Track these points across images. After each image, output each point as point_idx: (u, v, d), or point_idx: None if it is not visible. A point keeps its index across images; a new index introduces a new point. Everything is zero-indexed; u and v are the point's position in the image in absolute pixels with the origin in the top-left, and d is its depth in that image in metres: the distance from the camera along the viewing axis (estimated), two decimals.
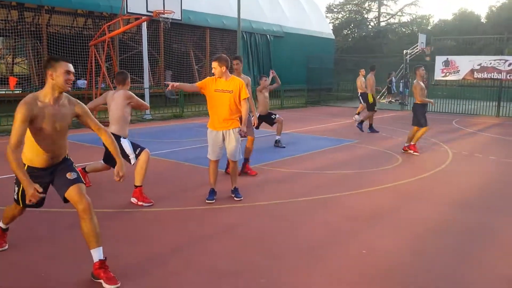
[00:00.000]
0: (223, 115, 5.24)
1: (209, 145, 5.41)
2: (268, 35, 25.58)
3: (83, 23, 22.88)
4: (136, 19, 12.74)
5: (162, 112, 15.90)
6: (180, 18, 12.20)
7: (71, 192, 3.32)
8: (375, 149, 9.39)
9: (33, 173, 3.33)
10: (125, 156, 5.25)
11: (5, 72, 21.81)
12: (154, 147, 8.87)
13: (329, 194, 5.82)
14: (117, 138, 5.22)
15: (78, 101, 3.52)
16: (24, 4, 16.99)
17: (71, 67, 3.30)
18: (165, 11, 11.45)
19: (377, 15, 46.34)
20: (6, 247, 3.89)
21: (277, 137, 9.43)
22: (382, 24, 45.85)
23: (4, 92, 15.44)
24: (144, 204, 5.22)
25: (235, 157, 5.44)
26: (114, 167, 5.57)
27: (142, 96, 15.76)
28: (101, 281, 3.27)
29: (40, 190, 3.16)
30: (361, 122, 12.18)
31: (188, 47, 22.48)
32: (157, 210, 5.08)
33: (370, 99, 12.04)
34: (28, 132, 3.24)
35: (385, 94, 25.13)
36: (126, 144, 5.32)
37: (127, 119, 5.45)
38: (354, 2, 46.13)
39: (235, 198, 5.48)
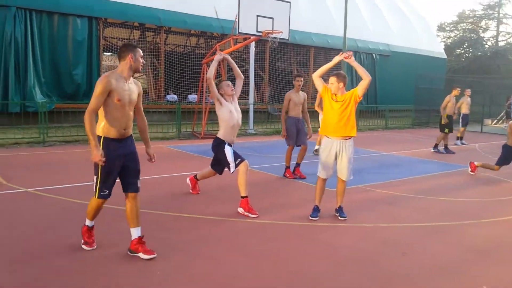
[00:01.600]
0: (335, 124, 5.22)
1: (321, 162, 5.35)
2: (373, 54, 25.01)
3: (196, 42, 24.46)
4: (245, 39, 13.30)
5: (264, 128, 16.28)
6: (287, 38, 12.46)
7: (130, 197, 4.09)
8: (490, 176, 8.60)
9: (109, 144, 3.91)
10: (226, 163, 5.58)
11: None
12: (256, 161, 9.09)
13: (441, 222, 5.44)
14: (222, 143, 5.57)
15: (139, 83, 4.17)
16: (145, 25, 18.69)
17: (141, 53, 4.04)
18: (274, 31, 11.77)
19: (495, 34, 42.88)
20: (95, 246, 4.16)
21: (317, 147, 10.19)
22: (501, 43, 42.27)
23: None
24: (250, 215, 5.37)
25: (346, 176, 5.33)
26: (220, 173, 5.89)
27: (246, 112, 16.34)
28: (139, 254, 3.98)
29: (104, 159, 3.77)
30: (435, 146, 12.10)
31: (292, 65, 22.83)
32: (260, 222, 5.17)
33: (443, 120, 11.90)
34: (103, 108, 3.86)
35: (503, 119, 23.04)
36: (228, 152, 5.56)
37: (230, 126, 5.65)
38: (470, 21, 43.24)
39: (339, 217, 5.36)
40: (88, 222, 4.21)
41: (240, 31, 11.81)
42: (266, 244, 4.48)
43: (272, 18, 11.95)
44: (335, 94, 5.21)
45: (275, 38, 11.98)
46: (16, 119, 13.50)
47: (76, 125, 12.65)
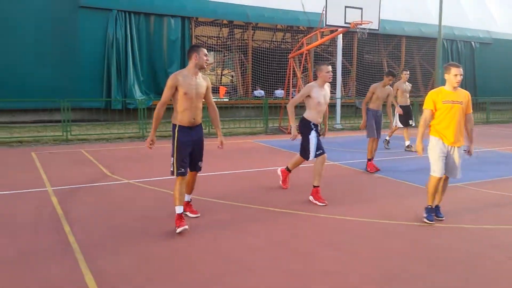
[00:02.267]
0: (454, 130, 4.77)
1: (434, 158, 4.86)
2: (472, 42, 23.22)
3: (282, 37, 24.56)
4: (332, 31, 13.05)
5: (352, 122, 15.90)
6: (377, 28, 12.01)
7: (192, 173, 4.93)
8: None
9: (183, 130, 4.63)
10: (306, 150, 5.76)
11: (215, 82, 24.93)
12: (343, 156, 8.91)
13: None
14: (308, 126, 5.75)
15: (207, 77, 4.80)
16: (234, 22, 19.16)
17: (205, 51, 4.60)
18: (363, 22, 11.42)
19: None
20: (186, 227, 4.52)
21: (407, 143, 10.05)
22: None
23: (215, 99, 17.62)
24: (318, 203, 5.53)
25: (459, 174, 4.95)
26: (307, 159, 5.94)
27: (333, 106, 16.08)
28: (187, 212, 4.99)
29: (154, 146, 4.71)
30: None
31: (382, 57, 21.98)
32: (349, 219, 5.05)
33: None
34: (175, 101, 4.57)
35: None
36: (312, 140, 5.70)
37: (317, 111, 5.77)
38: None
39: (436, 217, 5.06)
40: (177, 209, 4.59)
41: (327, 23, 11.63)
42: (357, 241, 4.36)
43: (361, 9, 11.60)
44: (453, 92, 4.80)
45: (364, 29, 11.62)
46: (118, 116, 14.63)
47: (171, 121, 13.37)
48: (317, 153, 5.67)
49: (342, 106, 16.44)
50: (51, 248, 4.06)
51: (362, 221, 4.99)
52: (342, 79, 18.98)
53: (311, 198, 5.70)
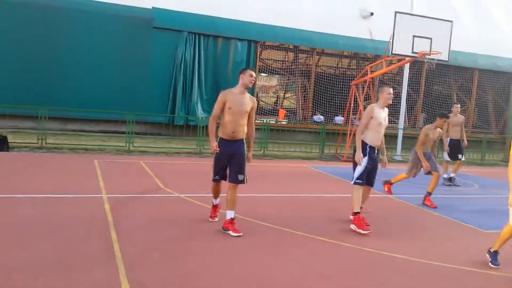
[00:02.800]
0: None
1: None
2: None
3: (348, 64, 24.35)
4: (399, 60, 12.73)
5: None
6: (447, 59, 11.53)
7: (232, 185, 5.14)
8: None
9: (222, 142, 5.12)
10: (353, 170, 5.78)
11: (277, 105, 25.11)
12: (401, 190, 8.51)
13: None
14: (364, 149, 5.70)
15: (255, 99, 5.30)
16: (299, 47, 19.30)
17: (253, 73, 5.14)
18: (432, 52, 11.02)
19: None
20: (216, 219, 5.51)
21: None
22: None
23: (274, 122, 17.70)
24: (362, 231, 5.43)
25: None
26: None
27: (395, 137, 15.57)
28: (229, 231, 5.05)
29: (218, 150, 5.07)
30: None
31: (452, 89, 21.07)
32: (406, 258, 4.77)
33: None
34: (221, 115, 5.09)
35: None
36: (359, 167, 5.66)
37: (374, 131, 5.74)
38: None
39: (490, 264, 4.62)
40: (213, 201, 5.61)
41: (393, 52, 11.35)
42: (403, 281, 4.10)
43: (431, 39, 11.19)
44: None
45: (433, 59, 11.20)
46: (180, 131, 15.12)
47: None
48: (356, 180, 5.67)
49: (404, 137, 15.86)
50: (95, 254, 4.20)
51: (410, 260, 4.69)
52: (407, 110, 18.39)
53: (353, 227, 5.57)
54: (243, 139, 5.20)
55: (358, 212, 5.60)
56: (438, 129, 7.70)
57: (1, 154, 9.66)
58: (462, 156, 10.00)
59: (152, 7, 15.88)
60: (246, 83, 5.08)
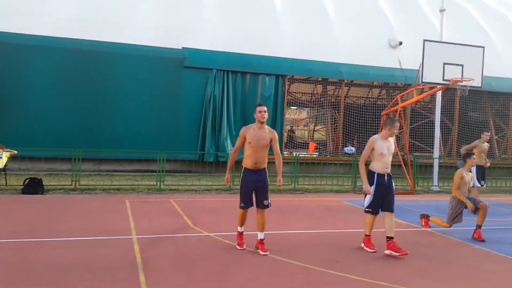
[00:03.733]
0: None
1: None
2: None
3: (377, 94, 24.10)
4: (431, 88, 12.46)
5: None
6: (480, 85, 11.19)
7: (259, 210, 5.84)
8: None
9: (246, 172, 5.76)
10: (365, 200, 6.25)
11: (307, 138, 24.97)
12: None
13: None
14: (371, 177, 6.10)
15: (275, 131, 5.92)
16: (328, 79, 19.27)
17: (263, 108, 5.79)
18: (463, 79, 10.74)
19: None
20: (244, 247, 5.94)
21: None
22: None
23: (304, 155, 17.51)
24: (398, 254, 5.74)
25: None
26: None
27: (430, 166, 15.07)
28: (259, 250, 5.71)
29: (229, 183, 6.17)
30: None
31: (487, 116, 20.40)
32: None
33: None
34: (245, 148, 5.76)
35: None
36: (368, 197, 6.15)
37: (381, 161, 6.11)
38: None
39: None
40: (239, 228, 6.00)
41: (423, 80, 11.12)
42: None
43: (462, 65, 10.93)
44: None
45: (465, 86, 10.91)
46: (209, 168, 15.15)
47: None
48: (366, 209, 6.18)
49: (440, 166, 15.31)
50: None
51: None
52: (442, 138, 17.84)
53: (388, 252, 5.87)
54: (265, 168, 5.85)
55: (369, 235, 6.20)
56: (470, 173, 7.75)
57: (36, 197, 9.89)
58: (484, 183, 10.16)
59: (182, 47, 16.33)
60: (258, 119, 5.75)
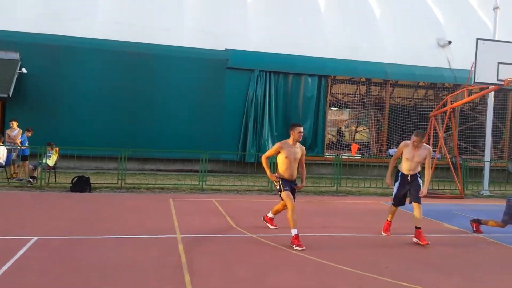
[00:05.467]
0: None
1: None
2: None
3: (424, 94, 23.31)
4: (482, 89, 11.91)
5: (503, 189, 13.97)
6: None
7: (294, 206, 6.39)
8: None
9: (285, 181, 6.46)
10: None
11: (349, 139, 24.51)
12: (490, 228, 7.66)
13: None
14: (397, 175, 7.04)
15: (303, 147, 6.67)
16: (372, 80, 18.83)
17: (301, 129, 6.44)
18: None
19: None
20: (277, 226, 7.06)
21: None
22: None
23: (347, 156, 17.17)
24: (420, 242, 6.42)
25: None
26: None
27: (480, 170, 14.39)
28: (294, 245, 5.98)
29: (277, 179, 6.57)
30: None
31: None
32: None
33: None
34: (279, 161, 6.53)
35: None
36: (394, 190, 7.06)
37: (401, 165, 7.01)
38: None
39: None
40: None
41: (476, 80, 10.61)
42: None
43: None
44: None
45: None
46: (251, 168, 15.16)
47: (309, 176, 13.26)
48: (391, 202, 7.17)
49: (491, 170, 14.60)
50: None
51: None
52: (493, 140, 17.03)
53: (415, 240, 6.61)
54: (295, 178, 6.65)
55: (390, 221, 7.27)
56: None
57: (84, 195, 10.20)
58: None
59: (226, 49, 16.43)
60: (296, 139, 6.43)
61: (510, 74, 10.34)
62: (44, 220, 7.38)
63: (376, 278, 4.95)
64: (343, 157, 14.75)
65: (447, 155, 13.76)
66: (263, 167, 6.71)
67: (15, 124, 12.41)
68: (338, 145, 19.41)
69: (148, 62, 15.81)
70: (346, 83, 19.07)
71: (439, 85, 19.50)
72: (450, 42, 18.69)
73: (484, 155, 14.54)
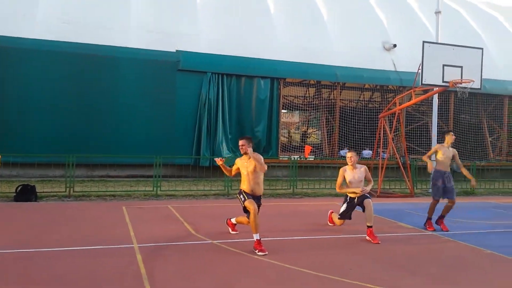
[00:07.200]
0: None
1: None
2: None
3: (369, 97, 24.08)
4: (425, 91, 12.40)
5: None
6: (479, 87, 11.13)
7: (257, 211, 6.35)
8: None
9: (246, 193, 6.47)
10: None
11: (300, 141, 24.83)
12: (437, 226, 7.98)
13: None
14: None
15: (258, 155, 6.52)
16: (321, 82, 19.18)
17: (240, 142, 6.49)
18: (463, 81, 10.67)
19: None
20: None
21: None
22: None
23: (299, 158, 17.35)
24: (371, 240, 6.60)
25: None
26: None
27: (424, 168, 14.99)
28: (256, 250, 5.93)
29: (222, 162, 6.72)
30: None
31: (481, 118, 20.47)
32: None
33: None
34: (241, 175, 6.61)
35: None
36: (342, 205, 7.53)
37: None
38: None
39: None
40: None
41: (423, 82, 11.03)
42: None
43: (461, 67, 10.87)
44: None
45: (465, 88, 10.85)
46: (206, 172, 14.92)
47: (264, 178, 13.20)
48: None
49: None
50: None
51: None
52: (438, 140, 17.81)
53: (367, 238, 6.91)
54: (261, 195, 6.70)
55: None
56: (451, 149, 8.23)
57: (30, 205, 9.57)
58: None
59: (176, 50, 16.09)
60: (241, 151, 6.48)
61: (455, 76, 10.83)
62: None
63: (340, 280, 4.95)
64: (298, 159, 14.88)
65: (397, 154, 14.24)
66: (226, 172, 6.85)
67: None
68: (291, 147, 19.57)
69: (94, 63, 15.14)
70: (297, 85, 19.31)
71: (384, 87, 20.20)
72: (395, 46, 19.41)
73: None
